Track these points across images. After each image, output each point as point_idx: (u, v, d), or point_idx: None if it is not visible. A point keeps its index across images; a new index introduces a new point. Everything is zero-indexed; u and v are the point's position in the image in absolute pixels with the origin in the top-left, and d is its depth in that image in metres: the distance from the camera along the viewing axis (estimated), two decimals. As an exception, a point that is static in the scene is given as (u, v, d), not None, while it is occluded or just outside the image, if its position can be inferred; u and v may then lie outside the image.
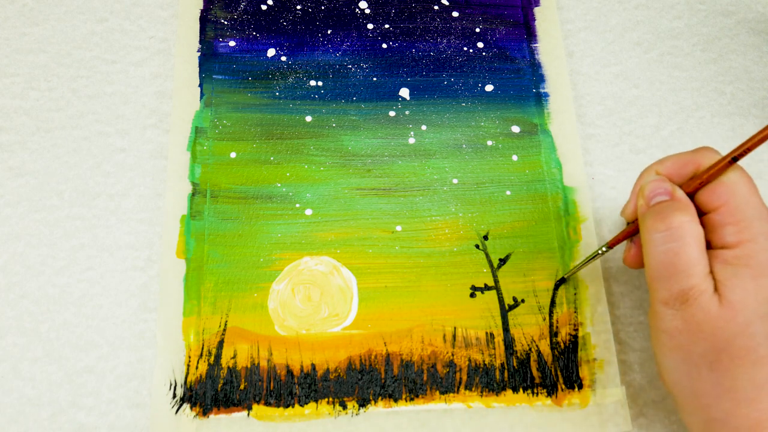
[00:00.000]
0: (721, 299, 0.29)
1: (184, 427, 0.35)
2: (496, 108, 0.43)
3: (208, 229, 0.39)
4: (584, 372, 0.37)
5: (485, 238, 0.40)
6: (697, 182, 0.31)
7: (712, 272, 0.30)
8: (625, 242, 0.35)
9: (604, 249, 0.35)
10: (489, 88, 0.44)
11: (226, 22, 0.45)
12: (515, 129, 0.43)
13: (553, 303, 0.38)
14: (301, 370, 0.36)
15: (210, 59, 0.43)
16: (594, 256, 0.36)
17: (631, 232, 0.34)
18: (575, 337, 0.38)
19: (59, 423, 0.35)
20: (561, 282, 0.39)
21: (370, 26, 0.45)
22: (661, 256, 0.30)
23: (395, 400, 0.36)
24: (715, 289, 0.29)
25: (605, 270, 0.40)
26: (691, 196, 0.31)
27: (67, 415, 0.36)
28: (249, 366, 0.36)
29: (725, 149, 0.43)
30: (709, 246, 0.31)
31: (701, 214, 0.31)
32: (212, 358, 0.36)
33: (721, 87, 0.45)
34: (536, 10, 0.47)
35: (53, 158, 0.41)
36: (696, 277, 0.29)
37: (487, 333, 0.38)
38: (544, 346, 0.37)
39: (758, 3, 0.48)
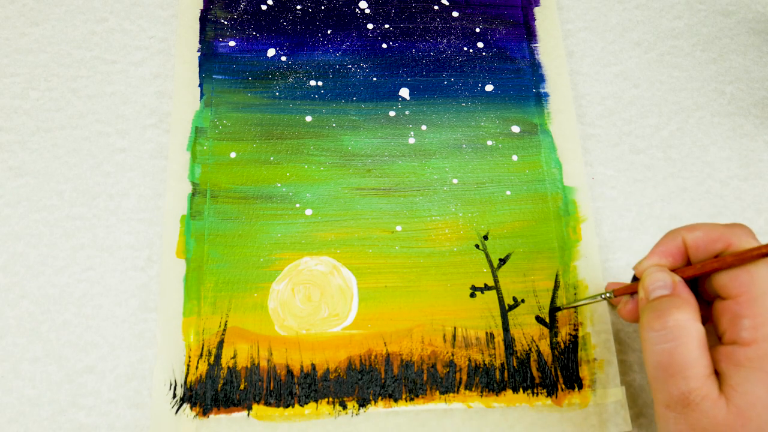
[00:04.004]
0: (729, 404, 0.27)
1: (184, 427, 0.35)
2: (496, 108, 0.43)
3: (208, 229, 0.39)
4: (584, 372, 0.37)
5: (485, 238, 0.40)
6: (718, 265, 0.29)
7: (719, 371, 0.28)
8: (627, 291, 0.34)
9: (607, 295, 0.34)
10: (489, 88, 0.44)
11: (226, 22, 0.45)
12: (515, 129, 0.43)
13: (553, 303, 0.38)
14: (301, 370, 0.36)
15: (210, 59, 0.43)
16: (595, 299, 0.35)
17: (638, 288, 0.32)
18: (575, 337, 0.38)
19: (59, 423, 0.35)
20: (556, 310, 0.38)
21: (370, 26, 0.45)
22: (656, 356, 0.28)
23: (395, 400, 0.36)
24: (721, 389, 0.27)
25: (605, 270, 0.40)
26: (709, 274, 0.30)
27: (67, 415, 0.36)
28: (249, 366, 0.36)
29: (725, 149, 0.43)
30: (719, 338, 0.29)
31: (717, 298, 0.30)
32: (212, 358, 0.36)
33: (721, 87, 0.45)
34: (536, 10, 0.47)
35: (53, 158, 0.41)
36: (694, 379, 0.27)
37: (487, 333, 0.38)
38: (544, 346, 0.37)
39: (758, 3, 0.48)
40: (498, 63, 0.45)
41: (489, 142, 0.42)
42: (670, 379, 0.28)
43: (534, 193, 0.41)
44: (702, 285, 0.32)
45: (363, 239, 0.39)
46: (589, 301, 0.36)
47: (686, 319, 0.28)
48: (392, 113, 0.43)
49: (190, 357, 0.36)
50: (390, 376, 0.37)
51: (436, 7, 0.46)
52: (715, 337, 0.30)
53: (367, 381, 0.36)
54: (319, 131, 0.42)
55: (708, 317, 0.31)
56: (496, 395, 0.36)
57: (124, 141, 0.42)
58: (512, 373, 0.37)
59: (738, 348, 0.28)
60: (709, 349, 0.29)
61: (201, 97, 0.42)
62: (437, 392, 0.36)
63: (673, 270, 0.31)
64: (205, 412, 0.35)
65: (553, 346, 0.37)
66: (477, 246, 0.40)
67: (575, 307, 0.37)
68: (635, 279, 0.33)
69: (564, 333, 0.38)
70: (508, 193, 0.41)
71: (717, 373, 0.28)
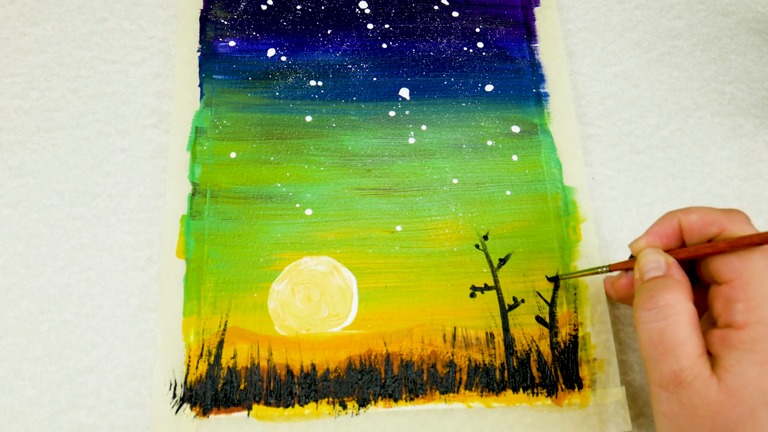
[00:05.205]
0: (721, 384, 0.27)
1: (184, 427, 0.35)
2: (496, 108, 0.43)
3: (208, 229, 0.39)
4: (584, 372, 0.37)
5: (485, 238, 0.40)
6: (711, 250, 0.30)
7: (713, 354, 0.28)
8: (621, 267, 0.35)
9: (605, 269, 0.35)
10: (489, 88, 0.44)
11: (226, 22, 0.45)
12: (515, 129, 0.43)
13: (553, 303, 0.38)
14: (301, 370, 0.36)
15: (210, 59, 0.43)
16: (593, 272, 0.36)
17: (633, 266, 0.33)
18: (575, 337, 0.38)
19: (59, 423, 0.35)
20: (555, 279, 0.39)
21: (370, 26, 0.45)
22: (648, 334, 0.29)
23: (395, 400, 0.36)
24: (713, 370, 0.28)
25: (605, 270, 0.40)
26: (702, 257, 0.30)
27: (67, 415, 0.36)
28: (249, 366, 0.36)
29: (725, 149, 0.43)
30: (715, 322, 0.29)
31: (713, 283, 0.30)
32: (212, 358, 0.36)
33: (721, 87, 0.45)
34: (536, 10, 0.47)
35: (53, 158, 0.41)
36: (685, 358, 0.28)
37: (487, 333, 0.38)
38: (544, 346, 0.37)
39: (758, 3, 0.48)
40: (498, 63, 0.45)
41: (489, 142, 0.42)
42: (662, 358, 0.28)
43: (534, 193, 0.41)
44: (698, 269, 0.32)
45: (363, 239, 0.39)
46: (588, 272, 0.36)
47: (677, 299, 0.29)
48: (392, 113, 0.43)
49: (190, 357, 0.36)
50: (390, 376, 0.37)
51: (436, 7, 0.46)
52: (709, 322, 0.31)
53: (367, 381, 0.36)
54: (319, 131, 0.42)
55: (706, 302, 0.32)
56: (496, 395, 0.36)
57: (124, 141, 0.42)
58: (512, 373, 0.37)
59: (732, 331, 0.28)
60: (704, 332, 0.29)
61: (201, 97, 0.42)
62: (437, 392, 0.36)
63: (667, 251, 0.32)
64: (205, 412, 0.35)
65: (553, 346, 0.37)
66: (477, 246, 0.40)
67: (573, 277, 0.38)
68: (632, 257, 0.34)
69: (564, 333, 0.38)
70: (508, 193, 0.41)
71: (711, 356, 0.29)
